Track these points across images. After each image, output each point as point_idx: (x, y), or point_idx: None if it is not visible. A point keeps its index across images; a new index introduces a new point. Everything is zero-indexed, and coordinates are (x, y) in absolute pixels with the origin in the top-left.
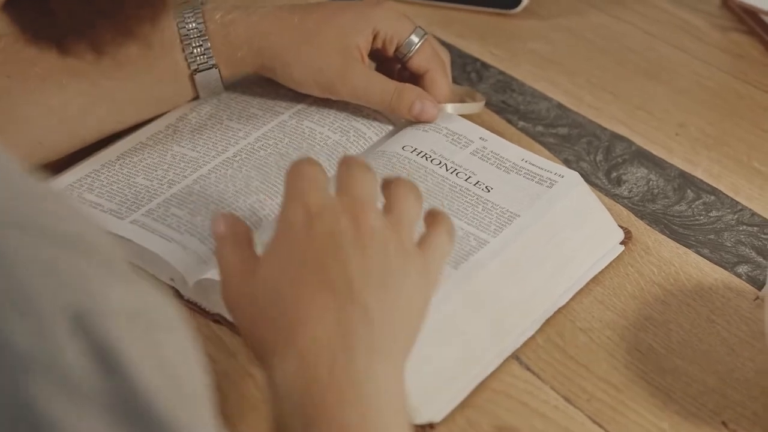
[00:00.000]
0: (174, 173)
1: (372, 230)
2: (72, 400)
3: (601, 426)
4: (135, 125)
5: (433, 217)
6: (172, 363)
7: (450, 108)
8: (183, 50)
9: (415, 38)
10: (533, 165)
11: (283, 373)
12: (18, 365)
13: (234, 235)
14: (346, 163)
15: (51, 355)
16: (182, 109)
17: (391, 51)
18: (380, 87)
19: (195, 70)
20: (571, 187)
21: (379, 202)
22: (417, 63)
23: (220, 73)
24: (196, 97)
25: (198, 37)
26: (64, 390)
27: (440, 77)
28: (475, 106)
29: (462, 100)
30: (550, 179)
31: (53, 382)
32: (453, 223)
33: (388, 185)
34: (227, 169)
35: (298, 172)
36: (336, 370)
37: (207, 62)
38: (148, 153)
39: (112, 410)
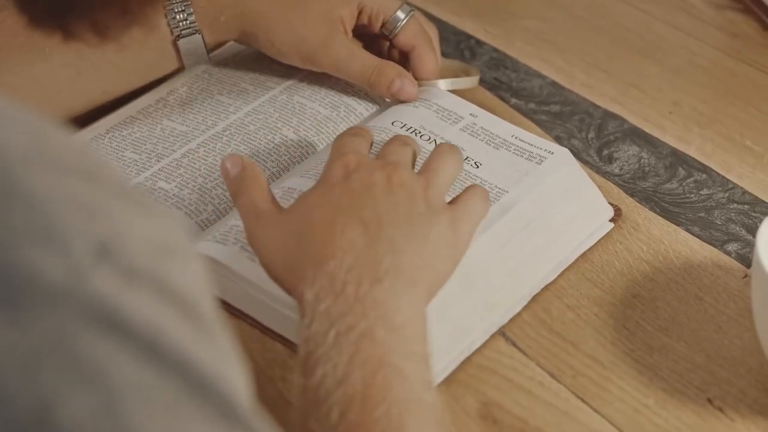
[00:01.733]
0: (163, 147)
1: (402, 183)
2: (100, 329)
3: (585, 402)
4: (122, 96)
5: (469, 186)
6: (190, 292)
7: (442, 84)
8: (165, 15)
9: (401, 14)
10: (523, 141)
11: (312, 292)
12: (48, 297)
13: (251, 179)
14: (390, 139)
15: (79, 284)
16: (173, 83)
17: (377, 27)
18: (361, 61)
19: (178, 35)
20: (560, 164)
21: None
22: (403, 39)
23: (203, 39)
24: (182, 67)
25: (180, 2)
26: (92, 318)
27: (427, 53)
28: (468, 81)
29: (456, 76)
30: (539, 156)
31: (82, 312)
32: (487, 192)
33: (432, 151)
34: (216, 144)
35: (341, 140)
36: (362, 291)
37: (190, 27)
38: (138, 127)
39: (138, 337)
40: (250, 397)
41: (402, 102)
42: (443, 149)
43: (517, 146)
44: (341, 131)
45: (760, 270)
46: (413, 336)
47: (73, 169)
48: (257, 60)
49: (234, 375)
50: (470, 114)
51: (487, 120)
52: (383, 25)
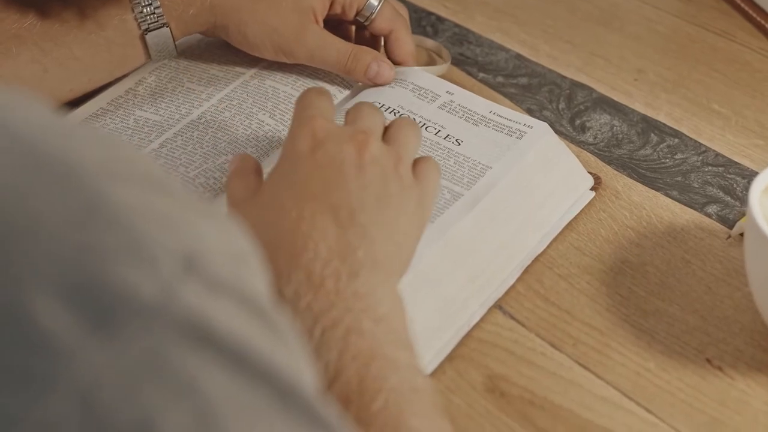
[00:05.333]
0: (139, 138)
1: (373, 158)
2: (192, 343)
3: (588, 369)
4: (89, 93)
5: (424, 157)
6: (263, 297)
7: (418, 71)
8: (132, 10)
9: (374, 1)
10: (501, 117)
11: (291, 289)
12: (142, 315)
13: (241, 168)
14: (356, 104)
15: (170, 300)
16: (140, 73)
17: (351, 15)
18: (336, 48)
19: (146, 30)
20: (540, 137)
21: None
22: (379, 24)
23: (171, 32)
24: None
25: None
26: (184, 333)
27: (404, 36)
28: (441, 68)
29: (430, 57)
30: (519, 130)
31: (175, 328)
32: (438, 164)
33: (391, 123)
34: (193, 132)
35: (306, 101)
36: (341, 285)
37: (157, 21)
38: (110, 118)
39: (227, 349)
40: (319, 391)
41: (379, 86)
42: (405, 122)
43: (496, 122)
44: None
45: (753, 227)
46: (397, 323)
47: (146, 181)
48: (222, 46)
49: (308, 374)
50: (447, 92)
51: (463, 97)
52: (358, 12)
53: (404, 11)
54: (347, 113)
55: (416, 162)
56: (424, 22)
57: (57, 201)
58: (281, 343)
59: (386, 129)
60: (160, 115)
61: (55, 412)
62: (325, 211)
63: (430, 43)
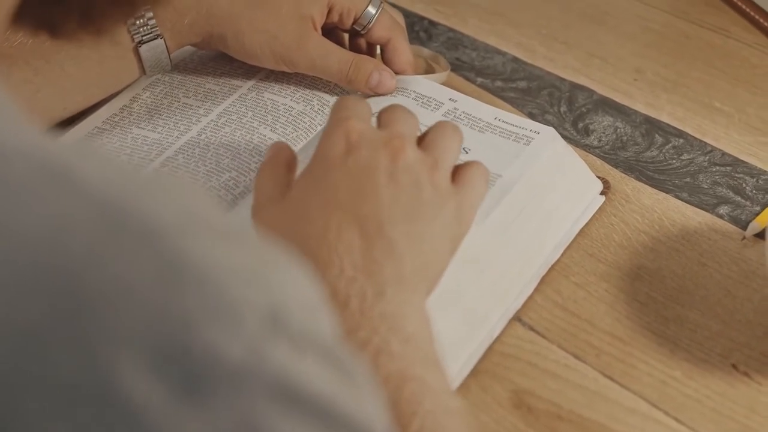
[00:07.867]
0: (139, 156)
1: (407, 166)
2: (282, 404)
3: (614, 380)
4: (82, 112)
5: (469, 162)
6: (335, 343)
7: (420, 79)
8: (125, 21)
9: (372, 9)
10: (507, 123)
11: None
12: (232, 379)
13: (273, 160)
14: (390, 106)
15: (259, 361)
16: (133, 89)
17: (348, 24)
18: (337, 57)
19: (139, 42)
20: (547, 143)
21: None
22: (378, 33)
23: (166, 44)
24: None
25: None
26: (274, 395)
27: (402, 44)
28: (443, 75)
29: (428, 65)
30: (526, 136)
31: (265, 390)
32: (488, 170)
33: (432, 127)
34: (194, 149)
35: (342, 103)
36: (366, 305)
37: (151, 32)
38: (107, 137)
39: (313, 407)
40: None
41: (380, 95)
42: (447, 126)
43: (502, 128)
44: (318, 126)
45: None
46: (425, 342)
47: (222, 233)
48: (215, 60)
49: (384, 417)
50: (450, 99)
51: (467, 104)
52: (355, 21)
53: (401, 19)
54: (379, 115)
55: (461, 167)
56: (417, 27)
57: (138, 264)
58: (360, 391)
59: (426, 133)
60: (159, 132)
61: None
62: (351, 222)
63: (426, 52)
